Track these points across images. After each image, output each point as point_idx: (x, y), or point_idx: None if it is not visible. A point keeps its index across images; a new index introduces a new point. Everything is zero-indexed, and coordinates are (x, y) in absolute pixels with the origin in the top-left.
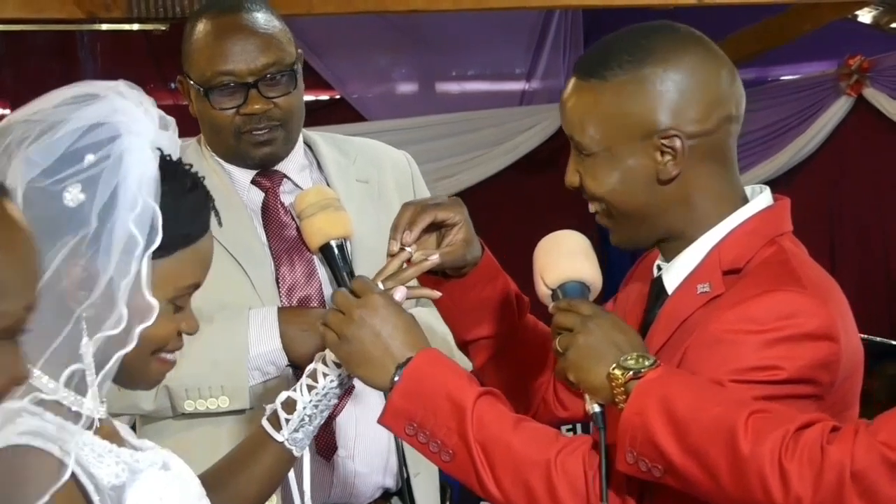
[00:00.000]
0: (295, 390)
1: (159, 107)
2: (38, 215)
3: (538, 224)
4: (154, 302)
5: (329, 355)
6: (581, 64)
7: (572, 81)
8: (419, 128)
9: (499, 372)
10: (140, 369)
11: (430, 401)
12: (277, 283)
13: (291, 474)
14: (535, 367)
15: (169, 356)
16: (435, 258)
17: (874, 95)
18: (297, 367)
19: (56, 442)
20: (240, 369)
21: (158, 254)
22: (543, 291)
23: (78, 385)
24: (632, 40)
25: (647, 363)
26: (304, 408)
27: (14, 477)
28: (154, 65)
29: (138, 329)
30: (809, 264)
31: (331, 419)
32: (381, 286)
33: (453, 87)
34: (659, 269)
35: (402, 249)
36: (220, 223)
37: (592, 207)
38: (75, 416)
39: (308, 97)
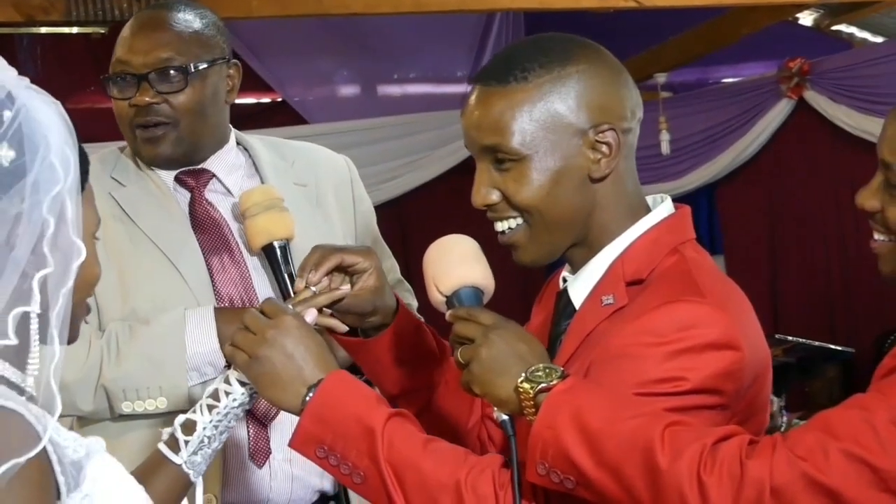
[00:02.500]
0: (195, 411)
1: (100, 109)
2: None
3: (480, 227)
4: (80, 241)
5: (233, 374)
6: (489, 72)
7: (479, 91)
8: (361, 131)
9: (431, 420)
10: (77, 316)
11: (340, 424)
12: (212, 282)
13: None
14: (465, 412)
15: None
16: (346, 288)
17: (814, 98)
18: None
19: (26, 407)
20: (177, 370)
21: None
22: (438, 298)
23: (15, 356)
24: (541, 45)
25: (555, 375)
26: (205, 428)
27: None
28: (94, 67)
29: (75, 264)
30: (711, 272)
31: (266, 425)
32: (291, 308)
33: (395, 90)
34: (564, 280)
35: (306, 289)
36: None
37: (506, 225)
38: (17, 390)
39: (249, 100)
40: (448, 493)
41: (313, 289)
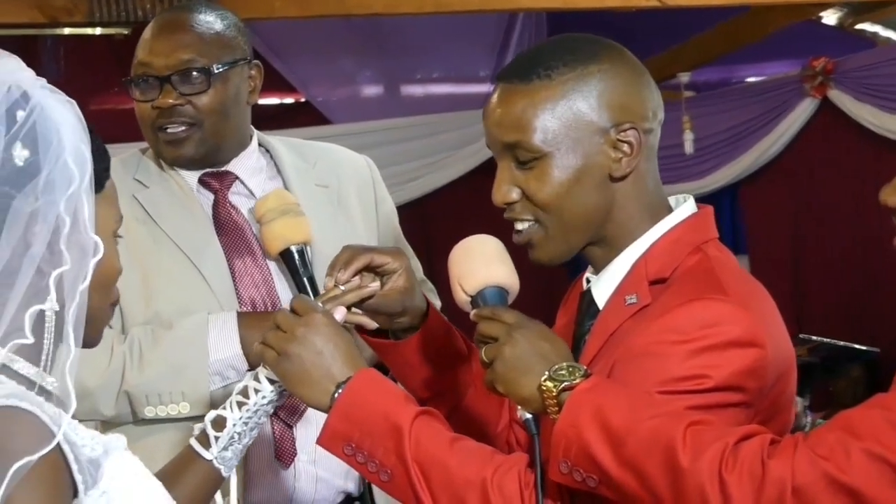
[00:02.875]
0: (225, 408)
1: (124, 111)
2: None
3: (503, 227)
4: (97, 238)
5: (262, 371)
6: (512, 70)
7: (502, 88)
8: (383, 131)
9: (460, 423)
10: (100, 316)
11: (368, 421)
12: (235, 286)
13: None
14: (493, 415)
15: (115, 304)
16: (375, 285)
17: (838, 97)
18: None
19: (40, 406)
20: (200, 375)
21: (95, 190)
22: (463, 298)
23: (40, 358)
24: (564, 45)
25: (578, 374)
26: (234, 425)
27: (3, 438)
28: (117, 69)
29: (93, 261)
30: (734, 271)
31: (291, 425)
32: (321, 306)
33: (417, 90)
34: (588, 281)
35: (335, 287)
36: None
37: (523, 225)
38: (39, 390)
39: (272, 100)
40: (474, 491)
41: (341, 287)
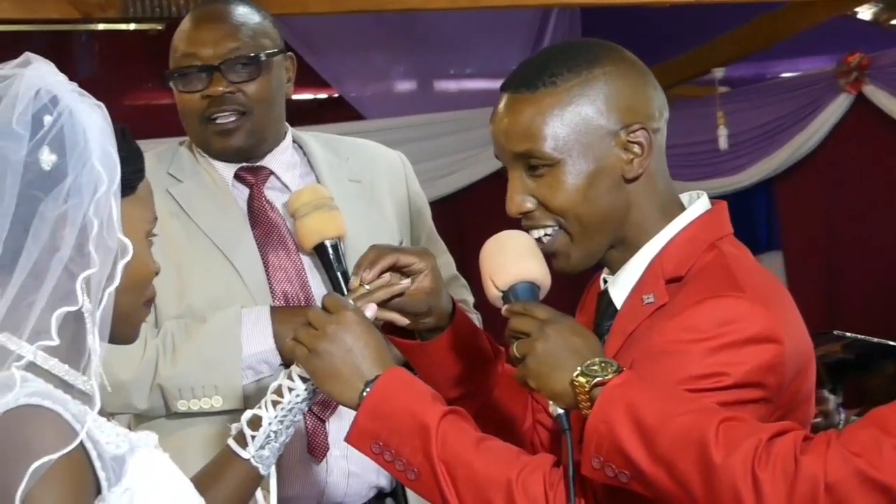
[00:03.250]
0: (260, 407)
1: (158, 106)
2: (25, 185)
3: None
4: (126, 241)
5: (295, 370)
6: (517, 79)
7: (508, 98)
8: (416, 126)
9: (485, 426)
10: (133, 315)
11: (396, 420)
12: (269, 280)
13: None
14: (519, 415)
15: (152, 301)
16: (406, 282)
17: (873, 93)
18: (290, 366)
19: (64, 405)
20: (233, 369)
21: (125, 192)
22: (494, 294)
23: (70, 357)
24: (566, 51)
25: (611, 369)
26: (270, 424)
27: (27, 436)
28: (151, 64)
29: (121, 264)
30: (750, 267)
31: (324, 420)
32: (352, 303)
33: (451, 86)
34: (605, 281)
35: (361, 286)
36: None
37: (541, 232)
38: (65, 386)
39: (306, 95)
40: (499, 491)
41: (367, 286)
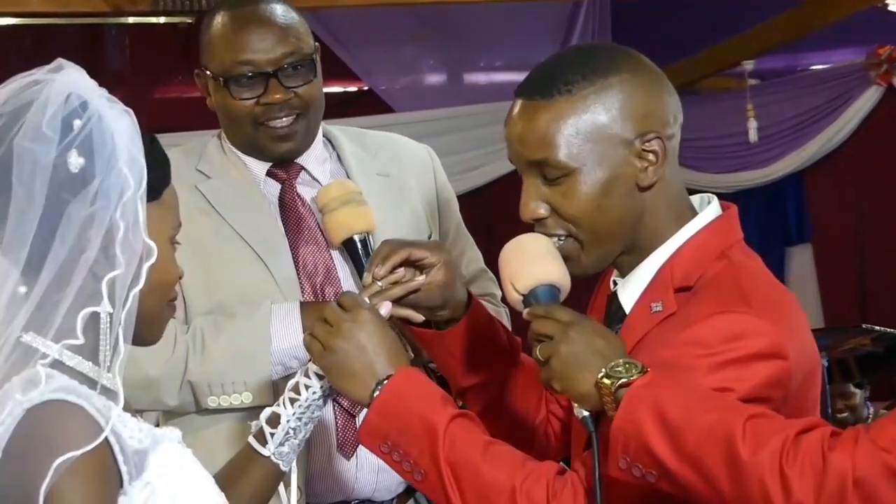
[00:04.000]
0: (278, 405)
1: (188, 99)
2: (53, 187)
3: None
4: (152, 243)
5: (312, 367)
6: (532, 86)
7: (522, 105)
8: (446, 119)
9: (499, 415)
10: (157, 316)
11: (405, 420)
12: (298, 275)
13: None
14: (532, 406)
15: (175, 302)
16: (421, 279)
17: None
18: None
19: (88, 399)
20: (263, 365)
21: (151, 197)
22: (514, 297)
23: (94, 356)
24: (582, 57)
25: (635, 370)
26: (288, 421)
27: (52, 430)
28: (182, 57)
29: (145, 266)
30: (759, 278)
31: (354, 415)
32: (367, 301)
33: (481, 79)
34: (615, 284)
35: (374, 283)
36: None
37: (553, 239)
38: (90, 383)
39: (336, 89)
40: (503, 496)
41: (379, 283)
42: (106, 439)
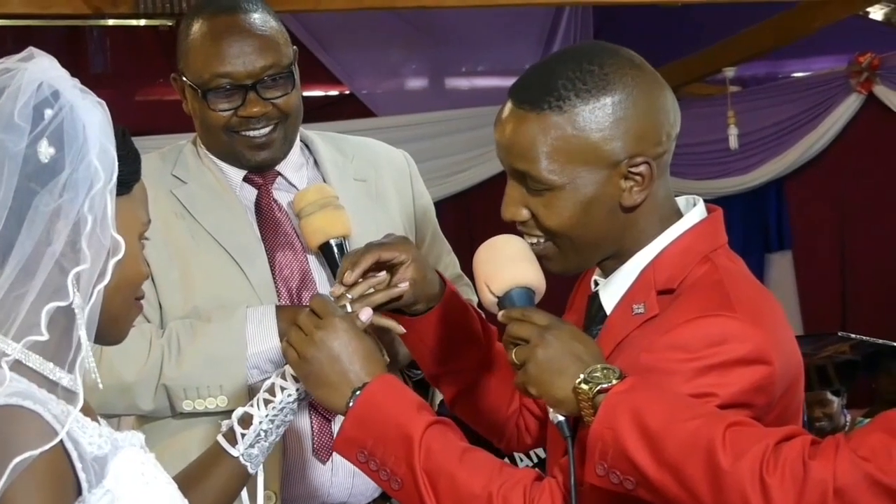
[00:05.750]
0: (252, 405)
1: (169, 101)
2: (22, 176)
3: None
4: (120, 238)
5: (288, 370)
6: (524, 93)
7: (512, 110)
8: (428, 123)
9: (470, 404)
10: (123, 315)
11: (381, 429)
12: (274, 280)
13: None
14: (505, 396)
15: (141, 301)
16: (404, 286)
17: (884, 93)
18: None
19: (45, 405)
20: (238, 369)
21: (121, 191)
22: (489, 299)
23: (56, 355)
24: (579, 67)
25: (614, 376)
26: (261, 422)
27: (5, 435)
28: (163, 60)
29: (112, 262)
30: (743, 282)
31: (329, 419)
32: (348, 307)
33: (463, 83)
34: (596, 283)
35: (343, 295)
36: None
37: (532, 240)
38: (49, 385)
39: (317, 92)
40: (480, 503)
41: (349, 296)
42: (63, 446)
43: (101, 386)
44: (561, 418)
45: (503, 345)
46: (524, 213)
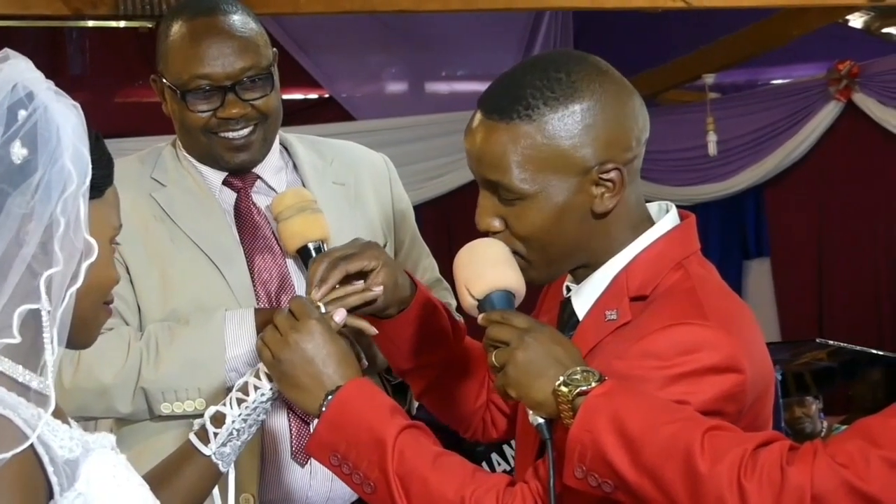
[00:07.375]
0: (224, 404)
1: (149, 103)
2: None
3: None
4: (93, 241)
5: (262, 368)
6: (493, 103)
7: (482, 121)
8: (408, 128)
9: (438, 397)
10: (92, 319)
11: (354, 432)
12: (253, 283)
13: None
14: (472, 390)
15: (111, 305)
16: (379, 290)
17: (863, 101)
18: None
19: (15, 409)
20: (217, 371)
21: (94, 194)
22: (469, 302)
23: (28, 358)
24: (547, 75)
25: (593, 379)
26: (233, 421)
27: None
28: (143, 62)
29: (85, 264)
30: (715, 290)
31: (308, 422)
32: (322, 308)
33: (443, 88)
34: (568, 289)
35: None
36: None
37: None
38: (20, 389)
39: (297, 96)
40: None
41: (321, 305)
42: (34, 450)
43: (51, 388)
44: (541, 420)
45: (483, 347)
46: (497, 224)
